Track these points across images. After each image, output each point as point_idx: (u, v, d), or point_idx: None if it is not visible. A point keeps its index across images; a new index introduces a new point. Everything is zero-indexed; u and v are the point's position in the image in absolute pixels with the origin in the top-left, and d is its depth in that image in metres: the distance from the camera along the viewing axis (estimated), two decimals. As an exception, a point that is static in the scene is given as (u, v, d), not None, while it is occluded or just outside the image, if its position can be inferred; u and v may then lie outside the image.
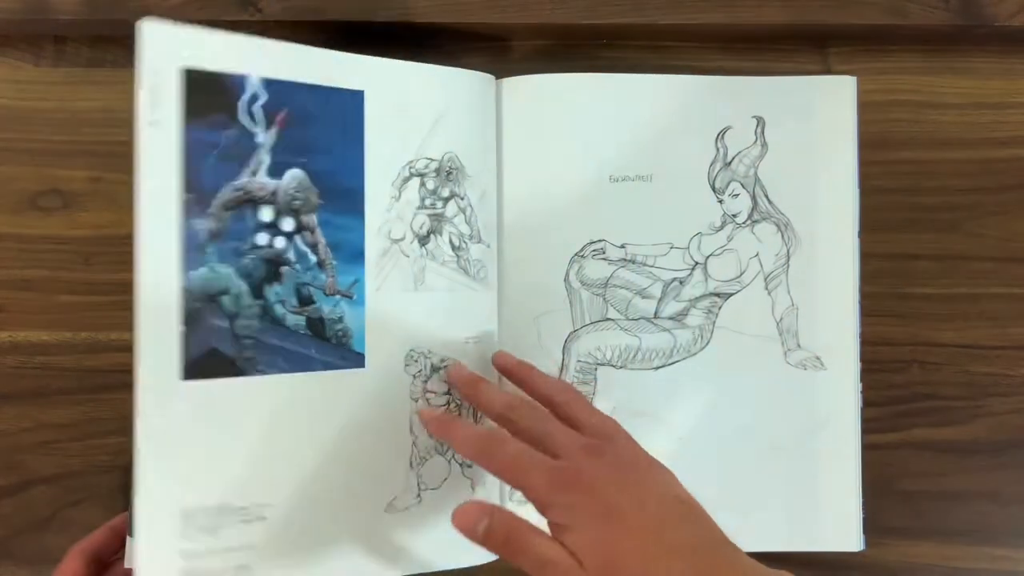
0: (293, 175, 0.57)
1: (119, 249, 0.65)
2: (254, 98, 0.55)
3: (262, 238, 0.56)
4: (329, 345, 0.58)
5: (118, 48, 0.66)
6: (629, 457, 0.51)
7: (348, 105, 0.58)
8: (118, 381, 0.65)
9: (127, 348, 0.64)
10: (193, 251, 0.54)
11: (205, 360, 0.54)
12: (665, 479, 0.51)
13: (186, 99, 0.53)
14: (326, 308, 0.58)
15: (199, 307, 0.54)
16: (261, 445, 0.55)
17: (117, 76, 0.66)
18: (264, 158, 0.56)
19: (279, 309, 0.56)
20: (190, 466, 0.54)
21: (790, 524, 0.63)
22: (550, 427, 0.52)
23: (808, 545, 0.62)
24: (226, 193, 0.55)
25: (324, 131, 0.57)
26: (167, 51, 0.54)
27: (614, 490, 0.48)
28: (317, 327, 0.58)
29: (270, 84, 0.55)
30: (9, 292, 0.65)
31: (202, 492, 0.54)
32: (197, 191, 0.54)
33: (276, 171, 0.56)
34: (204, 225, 0.54)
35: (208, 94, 0.54)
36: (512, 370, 0.59)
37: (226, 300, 0.55)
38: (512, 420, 0.54)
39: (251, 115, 0.55)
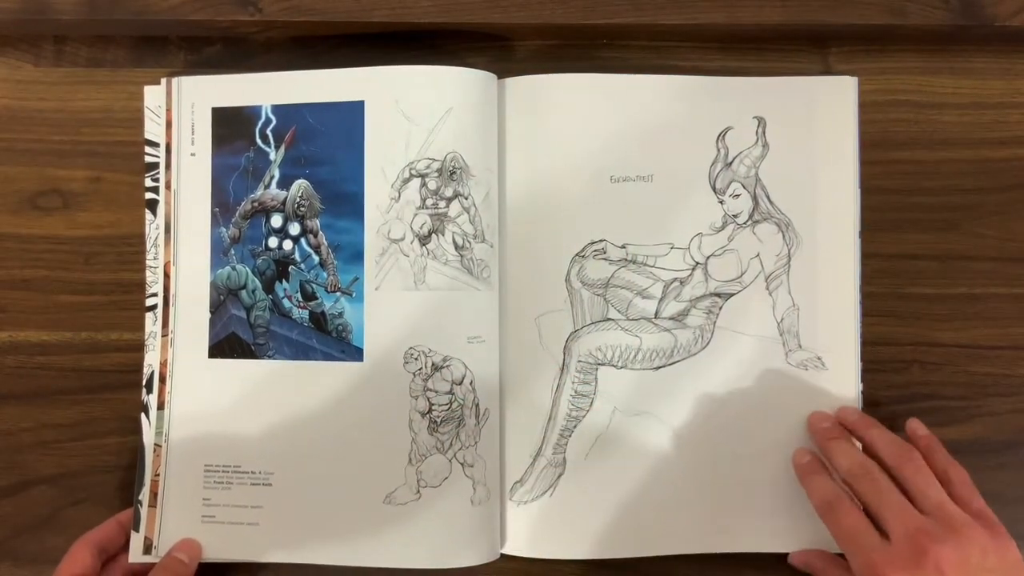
0: (299, 185, 0.63)
1: (119, 249, 0.65)
2: (267, 123, 0.63)
3: (273, 241, 0.64)
4: (330, 338, 0.63)
5: (118, 48, 0.66)
6: (961, 554, 0.51)
7: (349, 116, 0.62)
8: (118, 381, 0.65)
9: (127, 348, 0.64)
10: (219, 253, 0.64)
11: (226, 343, 0.64)
12: None
13: (215, 132, 0.64)
14: (328, 304, 0.62)
15: (222, 299, 0.64)
16: (268, 420, 0.63)
17: (117, 76, 0.66)
18: (275, 172, 0.64)
19: (287, 303, 0.64)
20: (211, 430, 0.63)
21: (790, 525, 0.63)
22: (883, 501, 0.54)
23: (809, 546, 0.62)
24: (245, 205, 0.64)
25: (327, 143, 0.63)
26: (201, 97, 0.64)
27: None
28: (319, 321, 0.63)
29: (279, 109, 0.63)
30: (9, 292, 0.65)
31: (220, 453, 0.63)
32: (222, 205, 0.64)
33: (285, 183, 0.64)
34: (228, 232, 0.64)
35: (231, 126, 0.64)
36: (855, 426, 0.60)
37: (244, 294, 0.64)
38: (852, 485, 0.57)
39: (264, 138, 0.64)
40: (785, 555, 0.63)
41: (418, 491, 0.61)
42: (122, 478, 0.64)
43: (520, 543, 0.63)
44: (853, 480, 0.57)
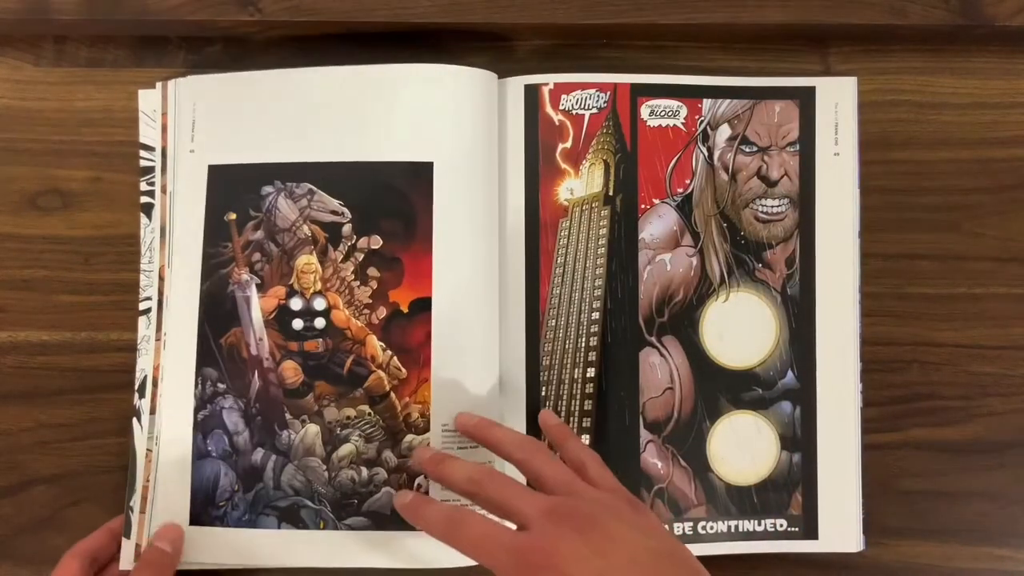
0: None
1: (119, 249, 0.65)
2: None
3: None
4: None
5: (118, 48, 0.66)
6: (593, 512, 0.49)
7: None
8: (118, 381, 0.64)
9: (127, 348, 0.64)
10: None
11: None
12: (636, 532, 0.48)
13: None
14: None
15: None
16: None
17: (117, 76, 0.66)
18: None
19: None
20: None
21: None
22: (510, 493, 0.51)
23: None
24: None
25: None
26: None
27: (577, 562, 0.46)
28: None
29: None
30: (9, 292, 0.65)
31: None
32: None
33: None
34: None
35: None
36: (472, 430, 0.59)
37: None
38: (475, 493, 0.53)
39: None
40: (786, 554, 0.62)
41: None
42: (122, 478, 0.64)
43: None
44: (475, 487, 0.53)
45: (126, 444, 0.64)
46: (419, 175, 0.61)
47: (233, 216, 0.62)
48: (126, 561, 0.60)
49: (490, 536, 0.49)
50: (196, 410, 0.62)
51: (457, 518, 0.52)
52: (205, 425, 0.62)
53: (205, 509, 0.61)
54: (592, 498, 0.51)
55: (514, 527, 0.50)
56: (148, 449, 0.62)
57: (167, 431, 0.62)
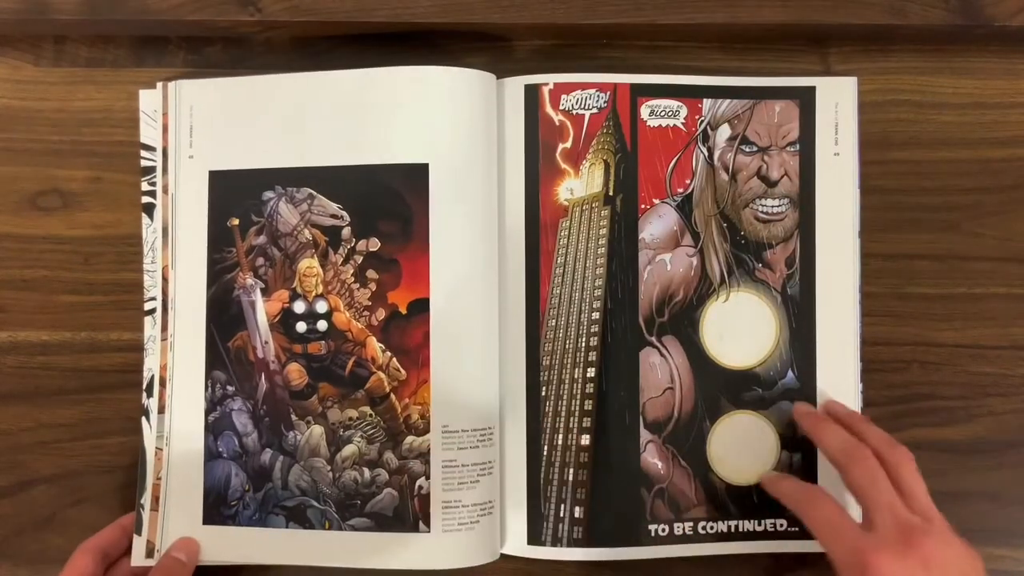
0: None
1: (119, 249, 0.65)
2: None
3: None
4: None
5: (118, 48, 0.66)
6: (940, 561, 0.50)
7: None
8: (118, 381, 0.65)
9: (127, 348, 0.64)
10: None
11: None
12: None
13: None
14: None
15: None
16: None
17: (117, 76, 0.66)
18: None
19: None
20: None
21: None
22: (877, 490, 0.54)
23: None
24: None
25: None
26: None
27: None
28: None
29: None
30: (9, 292, 0.65)
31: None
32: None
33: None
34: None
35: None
36: (846, 419, 0.60)
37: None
38: (844, 467, 0.56)
39: None
40: (785, 553, 0.63)
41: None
42: (122, 478, 0.64)
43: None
44: (847, 459, 0.56)
45: (127, 444, 0.64)
46: (415, 177, 0.61)
47: (236, 221, 0.62)
48: (137, 557, 0.61)
49: (839, 525, 0.54)
50: (207, 412, 0.62)
51: (812, 495, 0.57)
52: (216, 427, 0.62)
53: (217, 509, 0.62)
54: (947, 542, 0.52)
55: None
56: (158, 448, 0.62)
57: (179, 432, 0.63)
